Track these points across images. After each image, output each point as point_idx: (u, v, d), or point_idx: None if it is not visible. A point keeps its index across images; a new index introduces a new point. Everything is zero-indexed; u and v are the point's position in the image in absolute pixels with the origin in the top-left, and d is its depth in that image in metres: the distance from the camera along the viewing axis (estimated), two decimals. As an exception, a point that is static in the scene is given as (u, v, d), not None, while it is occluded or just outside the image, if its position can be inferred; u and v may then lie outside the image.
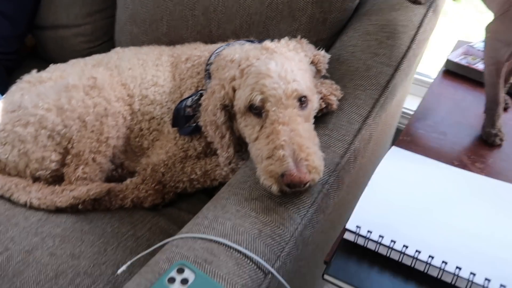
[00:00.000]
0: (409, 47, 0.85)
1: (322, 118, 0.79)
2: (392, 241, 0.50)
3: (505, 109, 0.81)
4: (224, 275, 0.56)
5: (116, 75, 0.99)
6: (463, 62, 0.93)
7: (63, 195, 0.89)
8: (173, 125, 0.93)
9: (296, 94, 0.69)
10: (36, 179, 0.95)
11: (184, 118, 0.90)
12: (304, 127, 0.69)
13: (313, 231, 0.68)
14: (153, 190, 0.92)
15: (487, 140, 0.74)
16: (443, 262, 0.47)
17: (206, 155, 0.94)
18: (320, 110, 0.78)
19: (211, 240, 0.61)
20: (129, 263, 0.66)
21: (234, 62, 0.78)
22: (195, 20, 1.06)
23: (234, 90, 0.76)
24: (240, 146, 0.83)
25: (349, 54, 0.87)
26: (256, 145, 0.70)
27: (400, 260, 0.50)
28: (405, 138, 0.76)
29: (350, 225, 0.53)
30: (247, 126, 0.73)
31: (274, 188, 0.65)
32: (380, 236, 0.51)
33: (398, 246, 0.49)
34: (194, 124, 0.89)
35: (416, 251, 0.48)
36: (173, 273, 0.55)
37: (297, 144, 0.65)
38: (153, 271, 0.57)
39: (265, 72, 0.70)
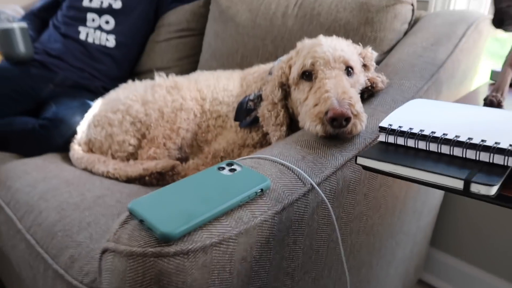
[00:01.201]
0: (452, 51, 0.94)
1: (368, 99, 0.87)
2: (420, 129, 0.54)
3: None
4: (267, 174, 0.62)
5: (194, 83, 1.18)
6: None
7: (135, 167, 1.02)
8: (235, 119, 1.06)
9: (343, 60, 0.80)
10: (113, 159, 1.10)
11: (245, 111, 1.03)
12: (349, 85, 0.78)
13: (354, 177, 0.72)
14: (211, 171, 1.01)
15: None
16: (468, 138, 0.50)
17: (262, 145, 1.03)
18: (366, 89, 0.87)
19: (258, 157, 0.68)
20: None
21: (292, 51, 0.93)
22: (265, 48, 1.26)
23: (290, 68, 0.89)
24: (291, 130, 0.93)
25: (396, 59, 0.98)
26: (305, 103, 0.80)
27: (427, 148, 0.53)
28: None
29: (383, 124, 0.58)
30: (299, 92, 0.84)
31: (319, 128, 0.72)
32: (409, 127, 0.55)
33: (426, 132, 0.53)
34: (254, 116, 1.01)
35: (443, 133, 0.52)
36: (223, 165, 0.62)
37: (342, 90, 0.73)
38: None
39: (317, 43, 0.83)
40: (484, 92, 0.90)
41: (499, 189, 0.46)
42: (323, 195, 0.63)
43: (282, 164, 0.65)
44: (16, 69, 1.43)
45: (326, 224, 0.69)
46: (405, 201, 0.96)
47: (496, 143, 0.48)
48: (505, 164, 0.48)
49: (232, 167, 0.62)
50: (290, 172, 0.64)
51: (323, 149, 0.71)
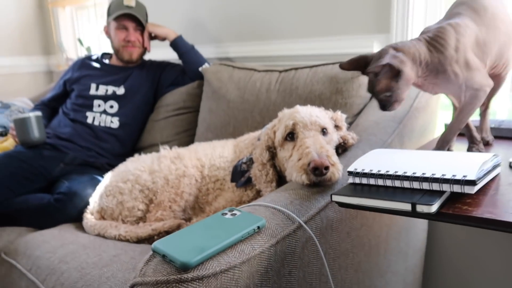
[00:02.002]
0: (408, 111, 1.13)
1: (342, 153, 1.04)
2: (378, 170, 0.70)
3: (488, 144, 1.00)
4: (262, 216, 0.76)
5: (194, 153, 1.34)
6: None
7: (144, 228, 1.14)
8: (232, 180, 1.21)
9: (318, 124, 0.98)
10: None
11: (240, 173, 1.18)
12: (325, 142, 0.95)
13: (336, 216, 0.85)
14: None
15: None
16: (413, 172, 0.66)
17: (257, 201, 1.17)
18: (340, 145, 1.04)
19: (254, 205, 0.82)
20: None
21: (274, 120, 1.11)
22: (253, 119, 1.45)
23: (274, 133, 1.06)
24: (280, 185, 1.07)
25: (363, 119, 1.16)
26: (290, 159, 0.96)
27: (385, 183, 0.68)
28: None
29: (350, 168, 0.74)
30: (284, 151, 1.00)
31: (304, 177, 0.87)
32: (370, 169, 0.71)
33: (382, 172, 0.69)
34: (248, 176, 1.16)
35: (395, 171, 0.68)
36: (226, 211, 0.76)
37: (320, 145, 0.90)
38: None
39: (295, 111, 1.02)
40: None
41: (438, 208, 0.60)
42: (309, 231, 0.76)
43: (274, 208, 0.79)
44: (30, 152, 1.59)
45: (315, 259, 0.81)
46: (387, 241, 1.08)
47: (432, 174, 0.64)
48: (441, 189, 0.63)
49: (233, 212, 0.75)
50: (281, 213, 0.78)
51: (307, 195, 0.85)
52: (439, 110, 1.29)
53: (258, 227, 0.71)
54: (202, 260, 0.62)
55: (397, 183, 0.67)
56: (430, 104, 1.20)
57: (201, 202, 1.26)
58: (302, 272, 0.78)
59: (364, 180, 0.72)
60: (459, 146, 0.99)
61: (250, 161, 1.17)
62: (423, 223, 1.34)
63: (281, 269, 0.73)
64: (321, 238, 0.82)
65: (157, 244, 0.66)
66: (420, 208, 0.60)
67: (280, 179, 1.08)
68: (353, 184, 0.74)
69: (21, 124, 1.59)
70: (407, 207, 0.61)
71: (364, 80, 1.27)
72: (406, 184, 0.66)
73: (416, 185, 0.65)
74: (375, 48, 1.43)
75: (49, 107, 1.97)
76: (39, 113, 1.64)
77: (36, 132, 1.60)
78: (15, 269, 1.11)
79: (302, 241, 0.77)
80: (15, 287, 1.10)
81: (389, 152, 0.82)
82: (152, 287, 0.61)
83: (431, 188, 0.64)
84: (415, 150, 0.81)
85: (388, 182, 0.68)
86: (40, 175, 1.54)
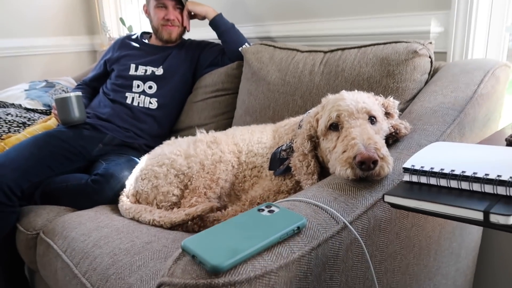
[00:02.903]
0: (471, 97, 1.00)
1: (394, 144, 0.93)
2: (441, 168, 0.60)
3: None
4: (303, 214, 0.68)
5: (231, 138, 1.28)
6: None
7: (178, 213, 1.10)
8: (270, 168, 1.14)
9: (365, 110, 0.88)
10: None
11: (279, 161, 1.11)
12: (374, 132, 0.85)
13: (384, 216, 0.76)
14: (249, 217, 1.08)
15: None
16: (485, 174, 0.55)
17: (296, 191, 1.09)
18: (391, 135, 0.93)
19: (293, 200, 0.74)
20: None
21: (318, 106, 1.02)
22: (294, 103, 1.36)
23: (317, 121, 0.97)
24: (321, 177, 0.99)
25: (418, 106, 1.05)
26: (334, 151, 0.87)
27: (448, 184, 0.58)
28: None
29: (406, 165, 0.64)
30: (327, 141, 0.91)
31: (349, 172, 0.78)
32: (431, 167, 0.61)
33: (446, 171, 0.59)
34: (287, 165, 1.09)
35: (462, 171, 0.57)
36: (262, 207, 0.69)
37: (367, 136, 0.80)
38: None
39: (340, 97, 0.92)
40: (508, 133, 0.94)
41: (517, 218, 0.50)
42: (355, 232, 0.68)
43: (316, 205, 0.71)
44: (71, 132, 1.60)
45: (360, 262, 0.73)
46: (439, 242, 0.97)
47: (511, 177, 0.53)
48: (521, 195, 0.52)
49: (271, 208, 0.68)
50: (324, 212, 0.70)
51: (353, 191, 0.77)
52: (506, 97, 1.14)
53: (298, 228, 0.64)
54: (235, 264, 0.56)
55: (464, 185, 0.57)
56: (497, 90, 1.06)
57: (237, 189, 1.21)
58: (345, 276, 0.71)
59: (423, 179, 0.62)
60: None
61: (290, 148, 1.09)
62: (479, 222, 1.21)
63: (322, 274, 0.66)
64: (367, 239, 0.74)
65: (187, 242, 0.60)
66: (494, 218, 0.50)
67: (322, 170, 1.00)
68: (409, 182, 0.65)
69: (62, 104, 1.59)
70: (478, 216, 0.52)
71: (419, 62, 1.14)
72: (476, 187, 0.56)
73: (488, 189, 0.55)
74: (433, 27, 1.29)
75: (90, 87, 1.97)
76: (79, 92, 1.64)
77: (76, 112, 1.61)
78: (52, 249, 1.11)
79: (347, 243, 0.69)
80: (52, 267, 1.10)
81: (452, 146, 0.71)
82: (180, 290, 0.56)
83: (508, 194, 0.53)
84: (484, 145, 0.70)
85: (453, 183, 0.58)
86: (80, 155, 1.55)
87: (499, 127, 1.13)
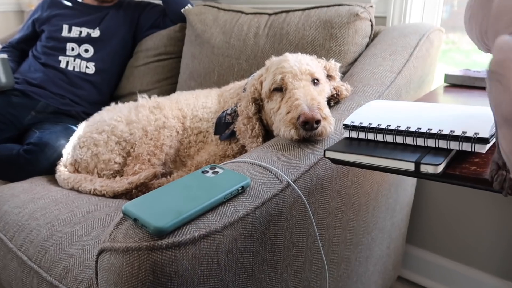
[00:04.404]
0: (408, 60, 1.04)
1: (335, 105, 0.95)
2: (378, 124, 0.62)
3: None
4: (247, 174, 0.68)
5: (175, 103, 1.24)
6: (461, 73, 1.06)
7: (121, 182, 1.07)
8: (215, 133, 1.12)
9: (309, 72, 0.89)
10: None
11: (224, 125, 1.10)
12: (316, 93, 0.86)
13: (326, 174, 0.79)
14: (195, 182, 1.07)
15: None
16: (417, 128, 0.58)
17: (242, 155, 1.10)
18: (333, 97, 0.95)
19: (237, 161, 0.74)
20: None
21: (262, 69, 1.01)
22: (239, 67, 1.34)
23: (261, 83, 0.97)
24: (267, 139, 1.00)
25: (359, 69, 1.07)
26: (278, 112, 0.87)
27: (385, 139, 0.61)
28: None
29: (346, 121, 0.66)
30: (272, 103, 0.91)
31: (293, 132, 0.79)
32: (369, 123, 0.63)
33: (383, 126, 0.61)
34: (232, 129, 1.08)
35: (397, 125, 0.60)
36: (207, 168, 0.68)
37: (310, 97, 0.81)
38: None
39: (284, 59, 0.92)
40: (440, 94, 1.00)
41: (444, 169, 0.54)
42: (298, 190, 0.70)
43: (260, 166, 0.72)
44: (-3, 99, 1.47)
45: (303, 219, 0.76)
46: (377, 198, 1.03)
47: (440, 130, 0.56)
48: (448, 147, 0.56)
49: (215, 170, 0.68)
50: (268, 171, 0.71)
51: (296, 151, 0.78)
52: (437, 62, 1.20)
53: (242, 187, 0.64)
54: (178, 225, 0.55)
55: (399, 139, 0.60)
56: (431, 53, 1.11)
57: (183, 155, 1.18)
58: (289, 233, 0.73)
59: (362, 135, 0.64)
60: (468, 100, 0.91)
61: (235, 112, 1.08)
62: (413, 179, 1.30)
63: (267, 231, 0.67)
64: (310, 197, 0.76)
65: (128, 206, 0.58)
66: (424, 168, 0.53)
67: (267, 133, 1.00)
68: (349, 139, 0.67)
69: (-15, 68, 1.45)
70: (410, 166, 0.54)
71: (360, 25, 1.16)
72: (409, 140, 0.59)
73: (420, 141, 0.58)
74: (374, -9, 1.31)
75: (18, 50, 1.81)
76: (5, 55, 1.50)
77: (2, 77, 1.47)
78: (-18, 224, 1.04)
79: (290, 201, 0.71)
80: (-17, 242, 1.03)
81: (388, 104, 0.74)
82: (122, 254, 0.55)
83: (436, 146, 0.57)
84: (418, 103, 0.73)
85: (389, 138, 0.61)
86: (10, 124, 1.44)
87: (431, 89, 1.19)
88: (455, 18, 1.48)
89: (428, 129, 0.57)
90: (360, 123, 0.65)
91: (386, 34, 1.17)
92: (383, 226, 1.14)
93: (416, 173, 0.54)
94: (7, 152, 1.28)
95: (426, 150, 0.57)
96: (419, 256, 1.47)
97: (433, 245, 1.45)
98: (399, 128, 0.60)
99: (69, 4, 1.76)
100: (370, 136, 0.63)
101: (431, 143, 0.57)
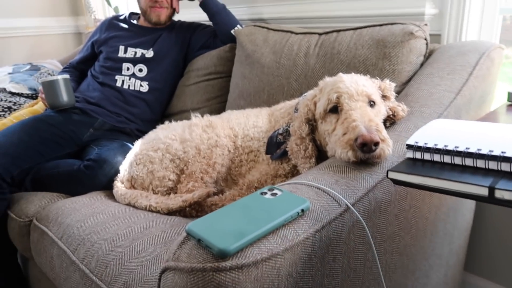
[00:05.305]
0: (467, 79, 1.01)
1: (391, 126, 0.94)
2: (445, 145, 0.60)
3: None
4: (306, 197, 0.68)
5: (226, 122, 1.26)
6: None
7: (175, 200, 1.09)
8: (267, 152, 1.13)
9: (365, 94, 0.88)
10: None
11: (276, 145, 1.11)
12: (373, 114, 0.85)
13: (385, 197, 0.77)
14: (246, 201, 1.08)
15: None
16: (489, 150, 0.56)
17: (293, 175, 1.09)
18: (388, 118, 0.93)
19: (295, 183, 0.74)
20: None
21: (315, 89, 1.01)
22: (289, 86, 1.35)
23: (315, 104, 0.97)
24: (319, 159, 0.99)
25: (415, 89, 1.05)
26: (333, 134, 0.87)
27: (452, 161, 0.59)
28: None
29: (410, 141, 0.64)
30: (326, 124, 0.91)
31: (350, 154, 0.78)
32: (434, 143, 0.61)
33: (450, 147, 0.59)
34: (284, 149, 1.08)
35: (466, 147, 0.58)
36: (265, 190, 0.69)
37: (368, 118, 0.80)
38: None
39: (339, 79, 0.91)
40: (502, 113, 0.96)
41: (521, 196, 0.51)
42: (358, 214, 0.69)
43: (318, 188, 0.71)
44: (60, 117, 1.56)
45: (361, 243, 0.74)
46: (435, 223, 0.99)
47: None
48: (526, 174, 0.53)
49: (273, 191, 0.68)
50: (326, 194, 0.70)
51: (354, 173, 0.77)
52: (498, 80, 1.15)
53: (302, 210, 0.64)
54: (241, 247, 0.56)
55: (468, 162, 0.58)
56: (492, 72, 1.07)
57: (234, 174, 1.20)
58: (347, 258, 0.72)
59: (427, 156, 0.62)
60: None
61: (287, 132, 1.08)
62: (471, 203, 1.24)
63: (325, 256, 0.66)
64: (369, 221, 0.74)
65: (192, 226, 0.60)
66: (500, 194, 0.51)
67: (319, 154, 1.00)
68: (412, 159, 0.65)
69: (50, 87, 1.55)
70: (483, 191, 0.52)
71: (415, 44, 1.14)
72: (480, 163, 0.57)
73: (492, 165, 0.56)
74: (427, 9, 1.29)
75: (78, 70, 1.92)
76: (67, 76, 1.60)
77: (64, 96, 1.57)
78: (46, 236, 1.10)
79: (349, 225, 0.70)
80: (47, 253, 1.09)
81: (451, 123, 0.72)
82: (186, 274, 0.56)
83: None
84: (483, 123, 0.70)
85: (457, 160, 0.59)
86: (70, 140, 1.52)
87: (492, 109, 1.14)
88: (508, 31, 1.41)
89: (502, 152, 0.55)
90: (425, 143, 0.63)
91: (443, 52, 1.14)
92: (441, 252, 1.09)
93: (490, 199, 0.52)
94: (68, 167, 1.36)
95: (499, 174, 0.54)
96: (478, 285, 1.39)
97: (493, 274, 1.36)
98: (469, 150, 0.58)
99: (125, 26, 1.86)
100: (436, 158, 0.61)
101: (505, 167, 0.54)
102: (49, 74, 2.37)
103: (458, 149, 0.59)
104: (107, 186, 1.29)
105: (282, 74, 1.38)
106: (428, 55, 1.19)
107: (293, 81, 1.34)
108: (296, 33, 1.42)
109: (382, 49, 1.16)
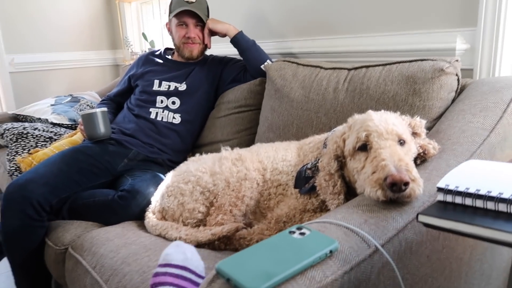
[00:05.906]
0: (501, 116, 0.99)
1: (422, 164, 0.93)
2: (477, 189, 0.59)
3: None
4: (334, 237, 0.68)
5: (255, 155, 1.29)
6: None
7: (204, 232, 1.11)
8: (295, 186, 1.14)
9: (395, 133, 0.88)
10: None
11: (304, 179, 1.11)
12: (403, 153, 0.84)
13: (416, 238, 0.76)
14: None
15: None
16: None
17: (322, 210, 1.09)
18: (419, 156, 0.93)
19: (323, 222, 0.74)
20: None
21: (344, 125, 1.02)
22: (318, 120, 1.37)
23: (344, 141, 0.97)
24: (348, 195, 0.99)
25: (446, 125, 1.04)
26: (362, 172, 0.87)
27: (485, 206, 0.58)
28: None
29: (440, 184, 0.64)
30: (355, 162, 0.91)
31: (380, 193, 0.78)
32: (466, 187, 0.60)
33: (482, 192, 0.58)
34: (312, 184, 1.09)
35: (499, 192, 0.57)
36: (294, 229, 0.69)
37: (398, 158, 0.80)
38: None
39: (368, 118, 0.92)
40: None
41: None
42: (388, 256, 0.68)
43: (346, 227, 0.71)
44: (97, 147, 1.63)
45: (392, 286, 0.72)
46: (470, 263, 0.95)
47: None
48: None
49: (302, 230, 0.69)
50: (355, 234, 0.70)
51: (383, 213, 0.76)
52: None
53: (331, 251, 0.64)
54: (270, 288, 0.57)
55: (502, 207, 0.57)
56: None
57: (263, 207, 1.21)
58: (377, 300, 0.70)
59: (458, 200, 0.62)
60: None
61: (315, 167, 1.09)
62: (509, 243, 1.18)
63: (355, 298, 0.66)
64: (399, 262, 0.73)
65: (221, 265, 0.61)
66: (537, 245, 0.49)
67: (348, 190, 0.99)
68: (443, 202, 0.64)
69: (88, 120, 1.63)
70: (518, 240, 0.51)
71: (445, 80, 1.13)
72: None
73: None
74: (459, 44, 1.28)
75: (115, 102, 2.02)
76: (105, 108, 1.68)
77: (102, 127, 1.64)
78: (80, 265, 1.13)
79: (378, 267, 0.69)
80: (81, 282, 1.12)
81: (486, 165, 0.71)
82: (215, 313, 0.57)
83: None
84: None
85: (490, 205, 0.58)
86: (105, 170, 1.58)
87: (530, 146, 1.11)
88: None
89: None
90: (456, 187, 0.62)
91: (475, 88, 1.13)
92: (477, 294, 1.04)
93: (527, 249, 0.50)
94: (103, 197, 1.41)
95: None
96: (519, 329, 1.30)
97: (536, 319, 1.28)
98: (502, 196, 0.57)
99: (160, 61, 1.95)
100: (468, 202, 0.60)
101: (541, 215, 0.53)
102: (88, 105, 2.49)
103: (491, 195, 0.58)
104: (139, 216, 1.33)
105: (311, 108, 1.40)
106: (460, 91, 1.18)
107: (322, 115, 1.36)
108: (325, 68, 1.45)
109: (412, 85, 1.16)
